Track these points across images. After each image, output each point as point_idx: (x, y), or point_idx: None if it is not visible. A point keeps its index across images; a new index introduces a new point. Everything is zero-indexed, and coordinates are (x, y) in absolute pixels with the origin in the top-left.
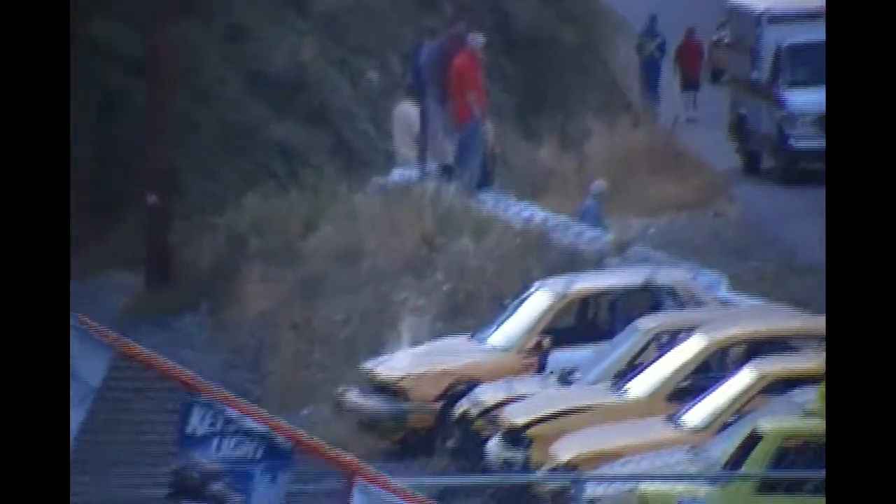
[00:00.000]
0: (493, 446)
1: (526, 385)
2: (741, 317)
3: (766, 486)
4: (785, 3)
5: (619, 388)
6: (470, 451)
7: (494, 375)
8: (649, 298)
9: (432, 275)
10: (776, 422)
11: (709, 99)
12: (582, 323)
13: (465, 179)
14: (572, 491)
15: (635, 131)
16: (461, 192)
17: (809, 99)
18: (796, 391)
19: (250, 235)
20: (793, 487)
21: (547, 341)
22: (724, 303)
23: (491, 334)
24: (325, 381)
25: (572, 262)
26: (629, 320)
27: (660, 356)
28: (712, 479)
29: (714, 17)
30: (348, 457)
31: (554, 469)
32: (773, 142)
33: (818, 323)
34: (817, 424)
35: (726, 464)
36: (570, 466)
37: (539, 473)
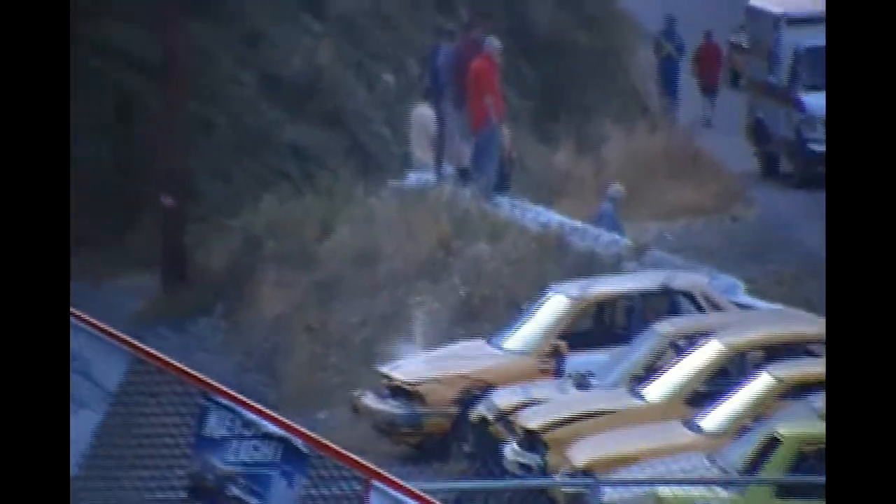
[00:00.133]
0: (510, 451)
1: (542, 389)
2: (759, 321)
3: (785, 491)
4: (803, 5)
5: (636, 393)
6: (486, 456)
7: (511, 380)
8: (666, 303)
9: (448, 279)
10: (795, 426)
11: (726, 102)
12: (599, 327)
13: (482, 183)
14: (589, 495)
15: (653, 135)
16: (477, 196)
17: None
18: (814, 396)
19: (266, 238)
20: (811, 492)
21: (563, 345)
22: (742, 307)
23: (507, 338)
24: (341, 384)
25: (589, 267)
26: (646, 324)
27: (677, 360)
28: (730, 484)
29: (732, 21)
30: (365, 461)
31: (570, 473)
32: (791, 145)
33: (825, 326)
34: None
35: (744, 468)
36: (586, 471)
37: (555, 478)
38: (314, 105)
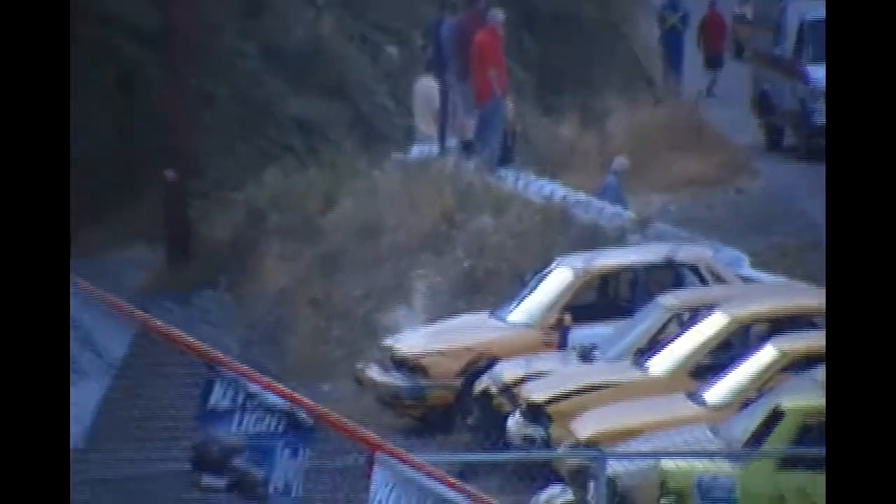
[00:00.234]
0: (513, 423)
1: (546, 362)
2: (763, 294)
3: (788, 464)
4: None
5: (640, 365)
6: (490, 428)
7: (515, 352)
8: (671, 275)
9: (452, 251)
10: (798, 399)
11: (731, 74)
12: (603, 299)
13: (486, 156)
14: (592, 468)
15: (657, 108)
16: (481, 168)
17: None
18: (818, 369)
19: (269, 211)
20: (815, 465)
21: (567, 318)
22: (746, 279)
23: (511, 311)
24: (345, 357)
25: (593, 239)
26: (650, 297)
27: (681, 333)
28: (733, 457)
29: None
30: (369, 432)
31: (574, 446)
32: (796, 117)
33: (825, 300)
34: None
35: (748, 441)
36: (590, 443)
37: (559, 450)
38: (317, 77)
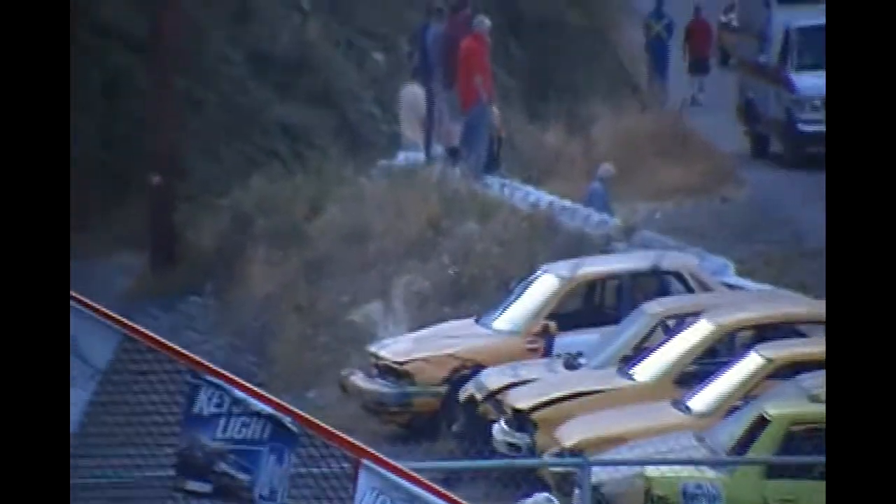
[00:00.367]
0: (499, 430)
1: (531, 369)
2: (748, 301)
3: (774, 472)
4: None
5: (626, 373)
6: (475, 435)
7: (500, 359)
8: (656, 283)
9: (438, 258)
10: (783, 406)
11: (716, 82)
12: (588, 307)
13: (472, 163)
14: (577, 475)
15: (643, 115)
16: (467, 175)
17: (818, 82)
18: (803, 376)
19: (255, 217)
20: (800, 472)
21: (553, 325)
22: (731, 287)
23: (496, 318)
24: (330, 363)
25: (579, 246)
26: (636, 304)
27: (666, 341)
28: (719, 464)
29: (722, 0)
30: (354, 439)
31: (559, 453)
32: (781, 125)
33: (825, 307)
34: (824, 409)
35: (733, 449)
36: (575, 451)
37: (544, 458)
38: (303, 83)
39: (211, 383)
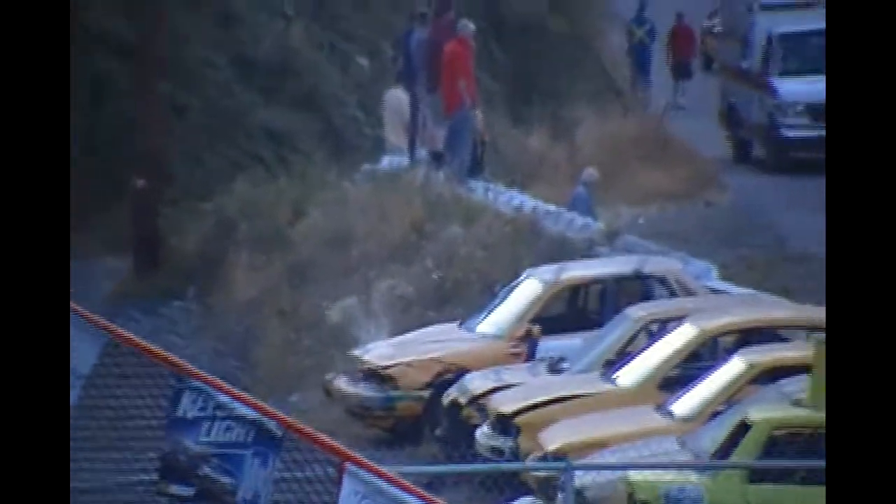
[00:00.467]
0: (482, 434)
1: (515, 373)
2: (731, 306)
3: (756, 476)
4: None
5: (609, 377)
6: (458, 440)
7: (483, 363)
8: (639, 287)
9: (421, 262)
10: (766, 411)
11: (699, 87)
12: (571, 311)
13: (455, 167)
14: (561, 479)
15: (626, 120)
16: (451, 179)
17: (800, 88)
18: (786, 381)
19: (239, 221)
20: (782, 477)
21: (536, 329)
22: (715, 292)
23: (480, 322)
24: (314, 367)
25: (562, 251)
26: (619, 309)
27: (650, 345)
28: (701, 469)
29: (705, 5)
30: (338, 443)
31: (542, 457)
32: (763, 131)
33: (808, 312)
34: (806, 414)
35: (715, 453)
36: (558, 455)
37: (527, 462)
38: (287, 88)
39: (195, 387)
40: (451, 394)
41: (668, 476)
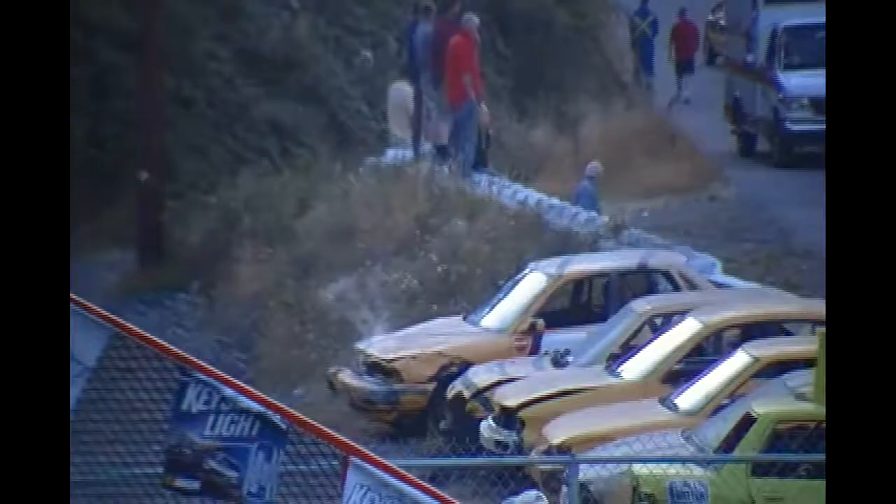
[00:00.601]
0: (486, 428)
1: (519, 367)
2: (735, 300)
3: (760, 469)
4: None
5: (613, 371)
6: (462, 433)
7: (487, 357)
8: (644, 281)
9: (426, 256)
10: (770, 405)
11: (704, 81)
12: (576, 305)
13: (460, 161)
14: (565, 473)
15: (630, 114)
16: (455, 173)
17: (805, 82)
18: (789, 374)
19: (243, 214)
20: (786, 470)
21: (540, 323)
22: (719, 286)
23: (484, 316)
24: (318, 361)
25: (566, 245)
26: (623, 303)
27: (654, 339)
28: (705, 462)
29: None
30: (342, 437)
31: (546, 451)
32: (768, 125)
33: (812, 306)
34: (810, 408)
35: (720, 447)
36: (562, 448)
37: (532, 455)
38: (292, 81)
39: (200, 380)
40: (455, 387)
41: (673, 469)
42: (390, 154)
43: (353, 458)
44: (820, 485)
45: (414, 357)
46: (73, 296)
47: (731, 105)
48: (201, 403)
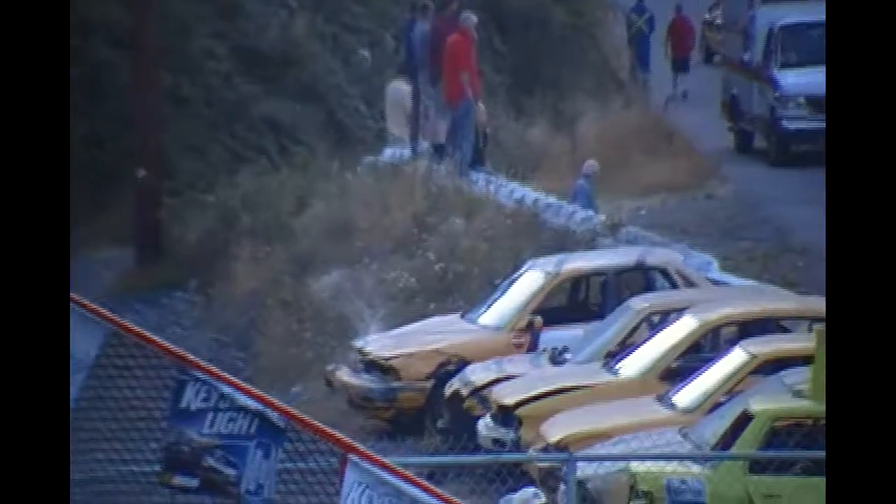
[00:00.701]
0: (484, 426)
1: (517, 365)
2: (732, 297)
3: (758, 467)
4: None
5: (611, 368)
6: (460, 431)
7: (485, 355)
8: (641, 279)
9: (423, 254)
10: (767, 402)
11: (701, 79)
12: (573, 303)
13: (457, 159)
14: (563, 470)
15: (627, 112)
16: (453, 171)
17: (801, 80)
18: (787, 372)
19: (241, 213)
20: (784, 468)
21: (538, 321)
22: (716, 283)
23: (482, 314)
24: (316, 359)
25: (564, 243)
26: (621, 300)
27: (651, 336)
28: (703, 459)
29: None
30: (340, 434)
31: (544, 449)
32: (765, 123)
33: (809, 303)
34: (807, 405)
35: (717, 444)
36: (560, 446)
37: (529, 453)
38: (289, 79)
39: (198, 378)
40: (452, 385)
41: (670, 467)
42: (388, 152)
43: (352, 456)
44: (817, 482)
45: (411, 355)
46: (71, 292)
47: (727, 103)
48: (200, 401)
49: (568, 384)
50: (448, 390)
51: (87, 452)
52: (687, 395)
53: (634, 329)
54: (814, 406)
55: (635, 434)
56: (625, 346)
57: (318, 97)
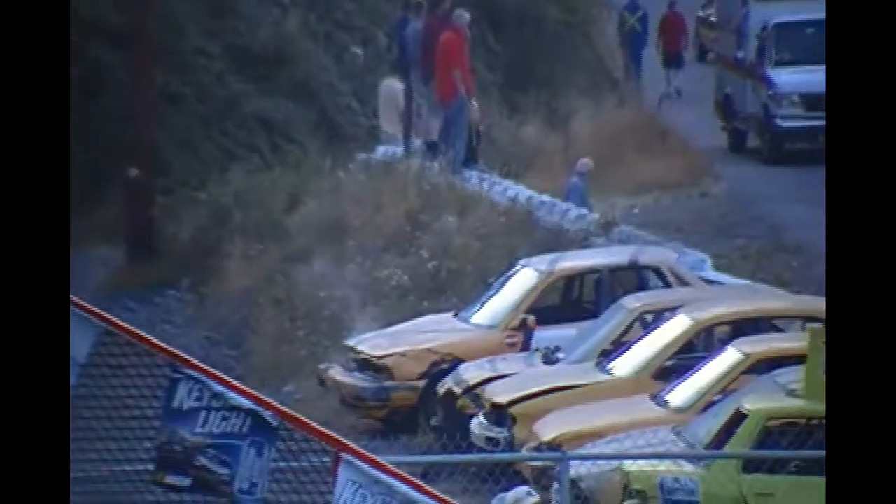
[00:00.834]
0: (477, 425)
1: (510, 363)
2: (726, 296)
3: (751, 466)
4: None
5: (604, 367)
6: (453, 430)
7: (478, 354)
8: (634, 278)
9: (416, 252)
10: (760, 401)
11: (695, 77)
12: (567, 302)
13: (450, 157)
14: (556, 469)
15: (621, 110)
16: (446, 169)
17: (795, 78)
18: (780, 371)
19: (233, 210)
20: (777, 467)
21: (531, 320)
22: (709, 282)
23: (475, 312)
24: (308, 357)
25: (557, 241)
26: (614, 299)
27: (645, 335)
28: (696, 458)
29: None
30: (333, 433)
31: (537, 448)
32: (758, 121)
33: (803, 303)
34: (801, 404)
35: (710, 443)
36: (553, 445)
37: (522, 452)
38: (282, 77)
39: (190, 377)
40: (445, 384)
41: (663, 466)
42: (381, 150)
43: (344, 455)
44: (810, 481)
45: (404, 354)
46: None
47: (721, 101)
48: (192, 400)
49: (561, 383)
50: (441, 389)
51: (79, 451)
52: (680, 394)
53: (628, 328)
54: (807, 405)
55: (628, 433)
56: (618, 345)
57: (310, 95)
